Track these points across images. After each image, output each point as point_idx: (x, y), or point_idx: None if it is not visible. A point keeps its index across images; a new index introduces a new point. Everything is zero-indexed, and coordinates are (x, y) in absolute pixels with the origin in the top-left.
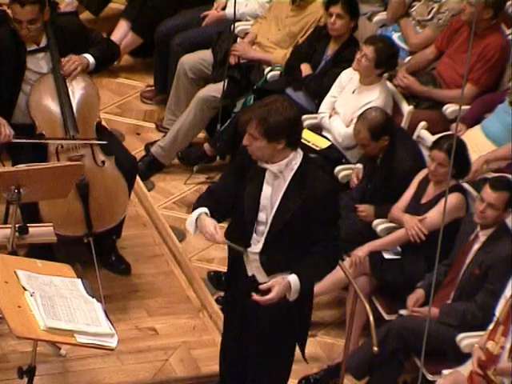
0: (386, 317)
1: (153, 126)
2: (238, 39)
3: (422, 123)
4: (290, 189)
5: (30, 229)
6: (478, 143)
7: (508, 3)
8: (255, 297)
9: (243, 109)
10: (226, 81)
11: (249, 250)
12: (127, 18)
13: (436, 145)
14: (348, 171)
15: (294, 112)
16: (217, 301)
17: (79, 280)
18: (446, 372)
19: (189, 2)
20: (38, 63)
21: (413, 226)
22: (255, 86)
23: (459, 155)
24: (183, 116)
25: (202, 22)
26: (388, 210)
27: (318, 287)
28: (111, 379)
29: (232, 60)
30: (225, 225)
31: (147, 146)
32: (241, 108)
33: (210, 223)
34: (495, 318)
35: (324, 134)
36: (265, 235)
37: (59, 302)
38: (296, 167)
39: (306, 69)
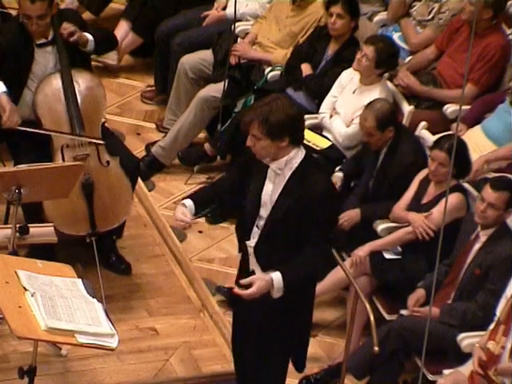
0: (387, 317)
1: (153, 126)
2: (239, 39)
3: (423, 123)
4: (288, 186)
5: (30, 229)
6: (478, 143)
7: (508, 3)
8: (236, 290)
9: (244, 109)
10: (227, 81)
11: (247, 243)
12: (127, 18)
13: (437, 145)
14: None
15: (295, 109)
16: (218, 290)
17: (80, 280)
18: (446, 372)
19: (189, 1)
20: (46, 57)
21: (421, 224)
22: (256, 86)
23: (460, 155)
24: (184, 116)
25: (203, 22)
26: (377, 208)
27: (319, 287)
28: (112, 379)
29: (232, 60)
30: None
31: (148, 146)
32: (241, 108)
33: (178, 210)
34: (496, 318)
35: (324, 133)
36: (260, 230)
37: (60, 302)
38: (296, 165)
39: (306, 69)
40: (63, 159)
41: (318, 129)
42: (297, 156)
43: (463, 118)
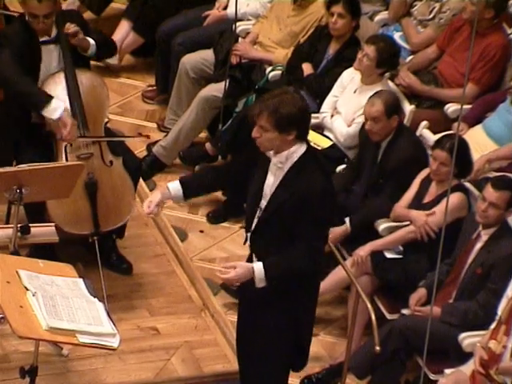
0: (388, 316)
1: (154, 125)
2: (240, 39)
3: (424, 122)
4: (286, 180)
5: (32, 229)
6: (479, 142)
7: (510, 3)
8: (218, 272)
9: (245, 108)
10: (228, 80)
11: (249, 234)
12: (129, 18)
13: (438, 144)
14: None
15: (304, 102)
16: (225, 288)
17: (81, 280)
18: (448, 371)
19: (190, 1)
20: (50, 55)
21: (423, 225)
22: (257, 85)
23: (461, 154)
24: (185, 116)
25: (204, 22)
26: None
27: (320, 286)
28: (113, 379)
29: (233, 60)
30: None
31: (149, 146)
32: (242, 108)
33: (149, 197)
34: (497, 317)
35: (326, 133)
36: (256, 220)
37: (61, 301)
38: (295, 159)
39: (307, 68)
40: (66, 158)
41: (319, 128)
42: (298, 150)
43: (464, 118)
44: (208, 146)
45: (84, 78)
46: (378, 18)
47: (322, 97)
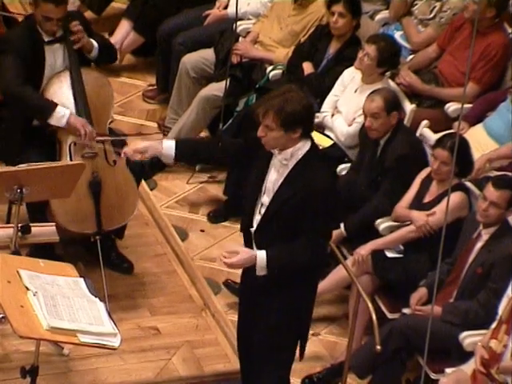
0: (389, 315)
1: (155, 125)
2: (240, 38)
3: (425, 122)
4: (290, 176)
5: (32, 228)
6: (480, 142)
7: (511, 2)
8: (221, 256)
9: (245, 108)
10: (228, 80)
11: (251, 230)
12: (129, 18)
13: (439, 143)
14: None
15: (309, 100)
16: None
17: (82, 279)
18: (448, 370)
19: (191, 1)
20: (54, 54)
21: (424, 225)
22: (257, 84)
23: (462, 153)
24: (185, 115)
25: (204, 21)
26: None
27: (321, 286)
28: (114, 378)
29: (234, 59)
30: None
31: None
32: (243, 107)
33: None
34: (498, 317)
35: (326, 132)
36: (261, 216)
37: (62, 301)
38: (300, 156)
39: (307, 67)
40: (71, 158)
41: (319, 128)
42: (303, 147)
43: (465, 117)
44: None
45: (89, 77)
46: (378, 17)
47: (323, 96)
